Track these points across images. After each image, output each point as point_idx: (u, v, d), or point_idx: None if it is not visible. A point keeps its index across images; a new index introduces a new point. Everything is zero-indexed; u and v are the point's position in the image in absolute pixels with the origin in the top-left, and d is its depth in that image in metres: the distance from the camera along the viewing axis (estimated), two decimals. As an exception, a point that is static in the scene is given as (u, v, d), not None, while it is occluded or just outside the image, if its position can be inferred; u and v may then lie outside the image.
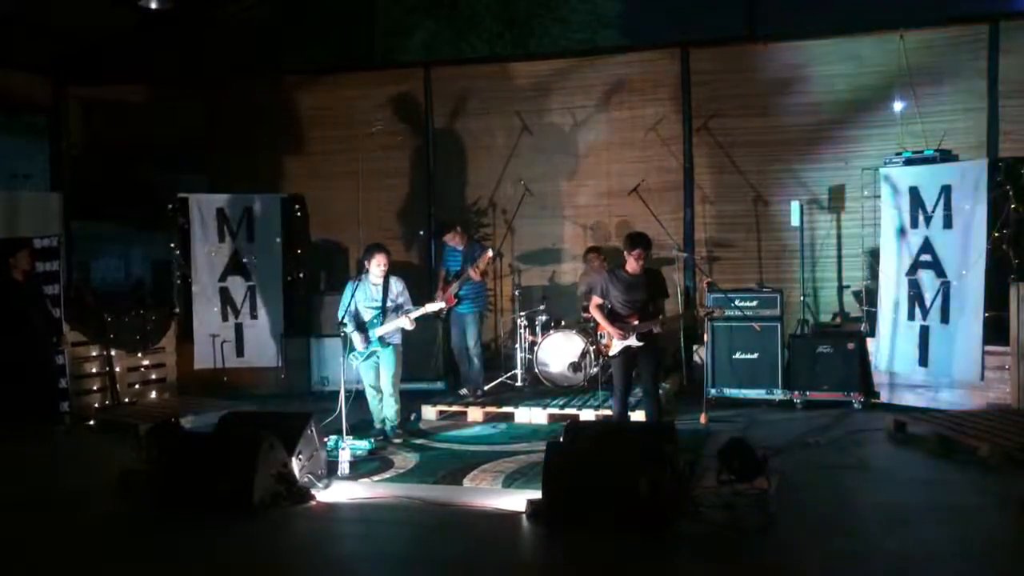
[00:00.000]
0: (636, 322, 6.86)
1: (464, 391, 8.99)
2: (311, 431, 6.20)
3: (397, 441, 7.47)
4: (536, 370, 9.09)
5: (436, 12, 18.00)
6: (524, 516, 5.39)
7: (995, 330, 7.66)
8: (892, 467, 6.61)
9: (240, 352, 9.91)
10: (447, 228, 9.11)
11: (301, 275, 10.10)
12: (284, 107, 11.33)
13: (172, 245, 10.05)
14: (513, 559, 4.99)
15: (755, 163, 9.93)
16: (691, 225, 10.12)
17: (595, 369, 8.83)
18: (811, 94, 9.74)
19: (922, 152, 8.41)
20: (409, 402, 8.25)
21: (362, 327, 7.48)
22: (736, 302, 8.64)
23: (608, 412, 7.58)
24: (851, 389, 8.45)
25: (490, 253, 8.83)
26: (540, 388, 9.04)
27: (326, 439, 6.57)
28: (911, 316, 8.28)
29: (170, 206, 9.99)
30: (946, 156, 8.35)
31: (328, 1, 13.47)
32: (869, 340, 8.61)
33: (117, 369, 9.12)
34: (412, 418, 8.29)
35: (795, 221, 9.29)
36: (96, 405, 8.90)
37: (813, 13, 10.57)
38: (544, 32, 18.89)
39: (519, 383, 9.31)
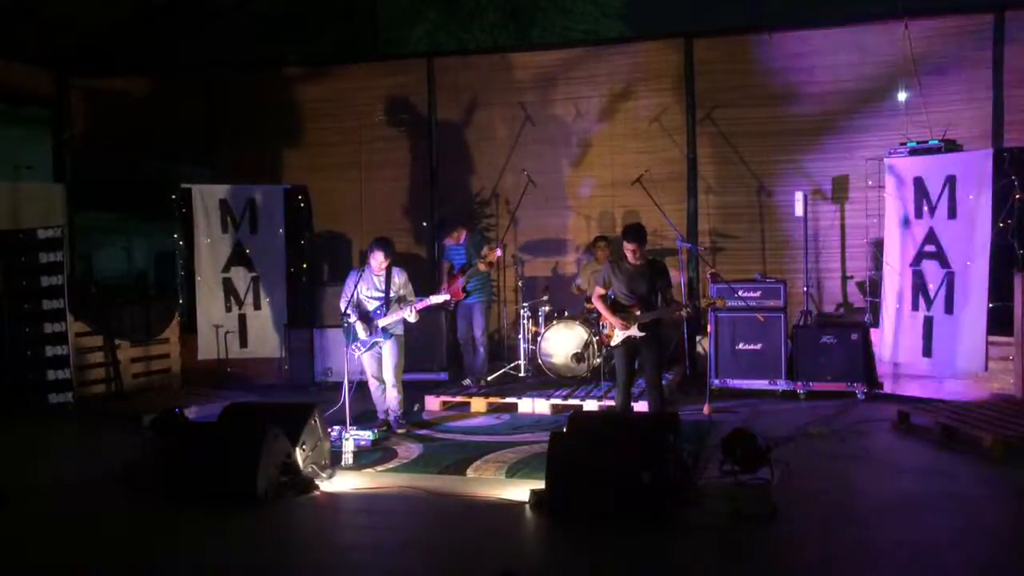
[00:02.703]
0: (638, 312, 6.85)
1: (467, 382, 8.99)
2: (315, 422, 6.21)
3: (400, 432, 7.49)
4: (539, 361, 9.09)
5: (438, 3, 17.96)
6: (527, 506, 5.40)
7: (999, 321, 7.65)
8: (895, 457, 6.60)
9: (243, 343, 9.93)
10: (447, 230, 9.11)
11: (304, 265, 10.10)
12: (286, 98, 11.31)
13: (175, 236, 10.06)
14: (516, 549, 5.00)
15: (758, 153, 9.91)
16: (694, 216, 10.11)
17: (598, 360, 8.83)
18: (815, 84, 9.70)
19: (927, 142, 8.39)
20: (412, 393, 8.27)
21: (365, 317, 7.48)
22: (739, 293, 8.63)
23: (611, 403, 7.58)
24: (855, 380, 8.45)
25: (499, 252, 8.84)
26: (543, 379, 9.04)
27: (330, 430, 6.59)
28: (915, 307, 8.27)
29: (173, 197, 9.99)
30: (951, 146, 8.32)
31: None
32: (873, 331, 8.61)
33: (120, 360, 9.15)
34: (415, 409, 8.30)
35: (799, 212, 9.28)
36: (101, 395, 8.93)
37: (817, 2, 10.53)
38: (547, 23, 18.84)
39: (522, 374, 9.31)
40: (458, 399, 8.61)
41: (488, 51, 12.15)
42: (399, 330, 7.56)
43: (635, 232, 6.87)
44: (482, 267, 8.67)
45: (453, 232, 9.02)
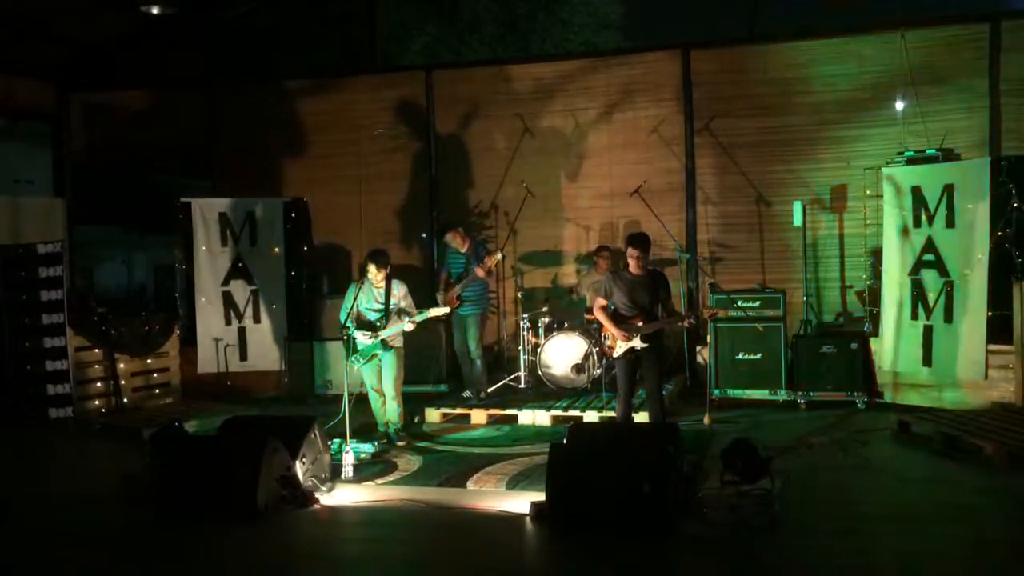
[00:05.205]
0: (640, 323, 6.85)
1: (467, 393, 8.99)
2: (314, 435, 6.20)
3: (400, 444, 7.48)
4: (539, 372, 9.09)
5: (437, 15, 18.03)
6: (528, 518, 5.39)
7: (999, 329, 7.66)
8: (896, 467, 6.60)
9: (243, 356, 9.93)
10: (449, 228, 9.11)
11: (304, 278, 10.11)
12: (286, 111, 11.34)
13: (175, 249, 10.07)
14: (517, 561, 4.99)
15: (757, 163, 9.92)
16: (693, 226, 10.11)
17: (598, 371, 8.83)
18: (813, 94, 9.72)
19: (924, 151, 8.42)
20: (412, 405, 8.26)
21: (365, 329, 7.48)
22: (739, 303, 8.63)
23: (611, 414, 7.57)
24: (855, 389, 8.44)
25: (499, 255, 8.84)
26: (543, 390, 9.03)
27: (329, 442, 6.58)
28: (914, 316, 8.28)
29: (173, 211, 10.00)
30: (948, 155, 8.36)
31: (329, 5, 13.49)
32: (872, 340, 8.61)
33: (120, 374, 9.14)
34: (415, 421, 8.29)
35: (797, 221, 9.29)
36: (101, 409, 8.92)
37: (814, 13, 10.58)
38: (545, 34, 18.92)
39: (522, 385, 9.30)
40: (458, 411, 8.61)
41: (486, 63, 12.19)
42: (399, 343, 7.56)
43: (640, 240, 6.92)
44: (480, 273, 8.68)
45: (459, 230, 8.99)
